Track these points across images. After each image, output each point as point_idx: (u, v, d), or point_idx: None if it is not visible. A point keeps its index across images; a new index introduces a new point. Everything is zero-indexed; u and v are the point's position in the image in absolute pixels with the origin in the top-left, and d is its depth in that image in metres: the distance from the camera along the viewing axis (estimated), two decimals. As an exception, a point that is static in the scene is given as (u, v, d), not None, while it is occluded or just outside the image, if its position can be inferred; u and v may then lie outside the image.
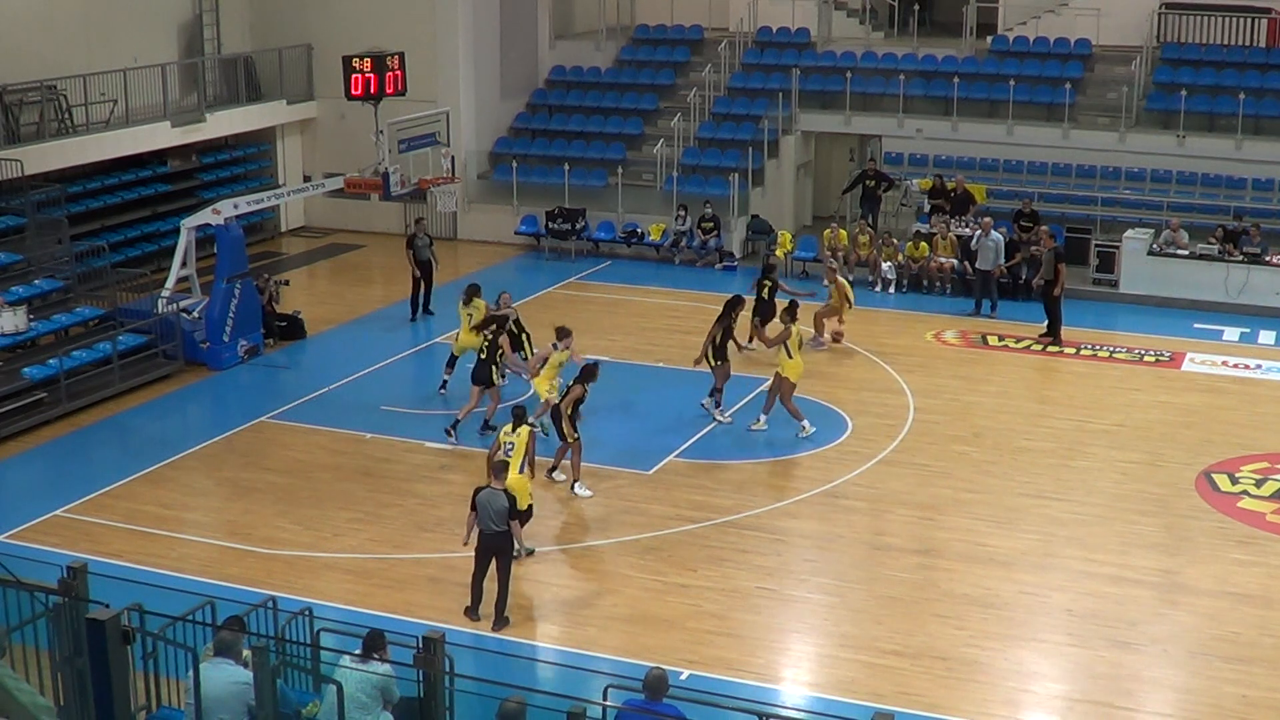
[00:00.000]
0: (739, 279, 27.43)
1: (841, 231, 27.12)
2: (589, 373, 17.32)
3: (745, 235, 29.05)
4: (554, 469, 17.62)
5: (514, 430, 15.23)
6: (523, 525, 14.94)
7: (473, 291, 20.57)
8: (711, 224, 28.29)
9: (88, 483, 17.76)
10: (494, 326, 18.98)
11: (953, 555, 15.76)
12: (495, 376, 18.80)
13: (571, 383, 17.42)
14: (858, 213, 28.46)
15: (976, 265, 25.03)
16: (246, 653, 9.96)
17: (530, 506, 15.16)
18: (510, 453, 15.00)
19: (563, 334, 18.47)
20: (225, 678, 9.72)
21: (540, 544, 15.85)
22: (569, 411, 17.06)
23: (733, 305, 19.89)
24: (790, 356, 18.86)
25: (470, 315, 20.23)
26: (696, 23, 33.53)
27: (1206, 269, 25.16)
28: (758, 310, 21.98)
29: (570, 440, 17.18)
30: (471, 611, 14.17)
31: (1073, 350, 22.90)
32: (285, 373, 22.63)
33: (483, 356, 18.80)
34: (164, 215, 27.97)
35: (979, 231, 25.14)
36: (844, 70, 30.56)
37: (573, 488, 17.30)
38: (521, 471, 14.98)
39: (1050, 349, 22.91)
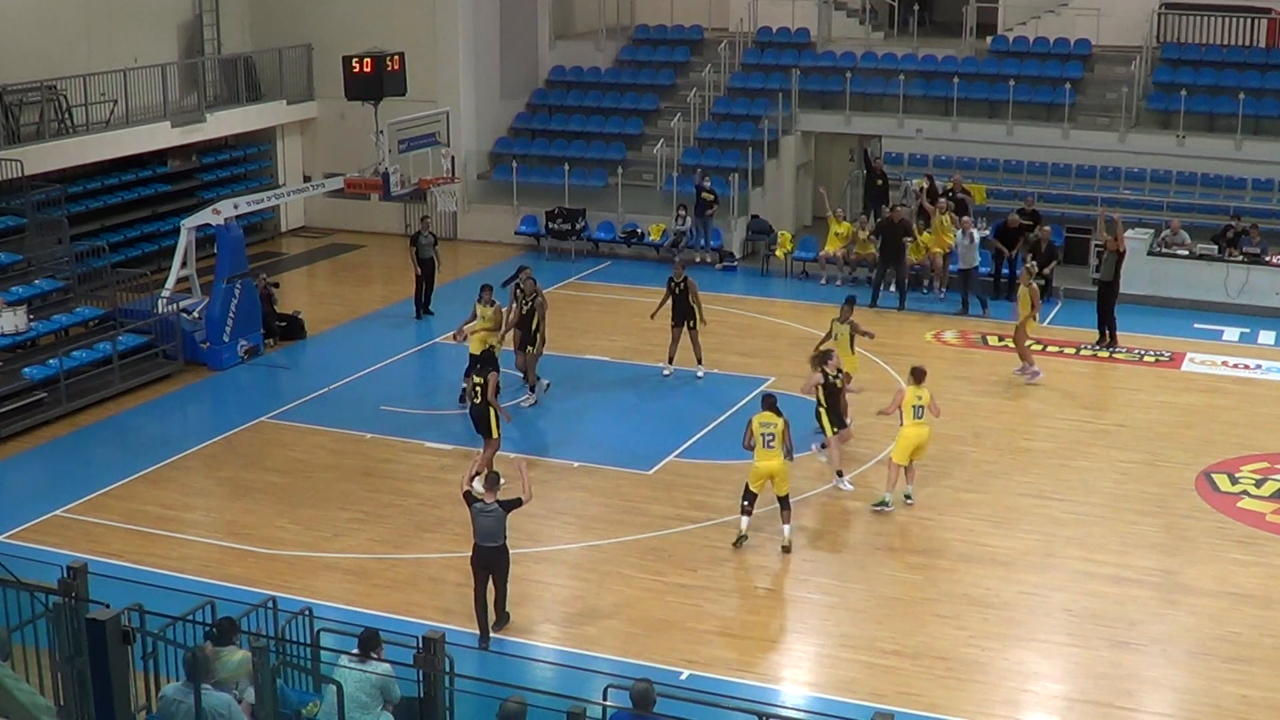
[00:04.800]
0: (740, 279, 27.50)
1: (845, 223, 26.92)
2: (490, 359, 17.49)
3: (745, 235, 29.05)
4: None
5: (776, 418, 15.59)
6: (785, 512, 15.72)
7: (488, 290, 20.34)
8: (712, 195, 27.93)
9: (88, 483, 17.76)
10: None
11: (953, 555, 15.76)
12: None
13: (490, 373, 17.09)
14: (857, 212, 28.39)
15: (960, 266, 25.10)
16: (240, 653, 9.90)
17: (786, 495, 15.72)
18: (770, 442, 15.46)
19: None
20: (205, 704, 9.42)
21: (540, 544, 15.85)
22: (496, 400, 16.95)
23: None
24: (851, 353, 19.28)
25: (488, 315, 19.97)
26: (696, 23, 33.53)
27: (1206, 269, 25.17)
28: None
29: (495, 435, 17.01)
30: (482, 640, 13.69)
31: (1073, 350, 22.91)
32: (285, 373, 22.64)
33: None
34: (164, 215, 27.98)
35: (959, 231, 25.18)
36: (844, 70, 30.55)
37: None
38: (789, 459, 15.68)
39: (1063, 351, 22.92)
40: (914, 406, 16.68)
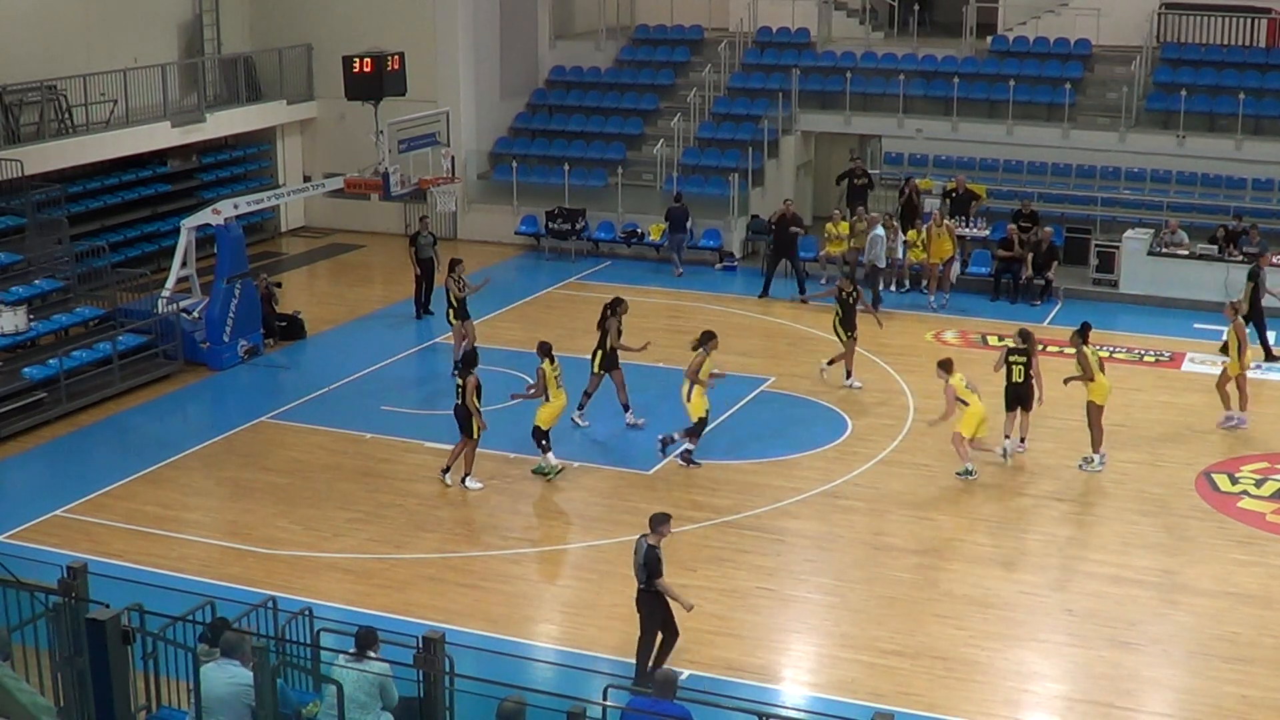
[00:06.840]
0: (739, 279, 27.49)
1: (843, 223, 26.88)
2: (471, 360, 17.60)
3: (745, 235, 29.05)
4: (450, 469, 17.62)
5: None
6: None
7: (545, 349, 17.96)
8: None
9: (88, 483, 17.76)
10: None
11: (953, 555, 15.77)
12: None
13: (470, 373, 17.22)
14: (845, 211, 28.29)
15: (865, 260, 25.17)
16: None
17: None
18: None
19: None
20: (227, 678, 9.71)
21: (540, 544, 15.86)
22: (476, 403, 17.18)
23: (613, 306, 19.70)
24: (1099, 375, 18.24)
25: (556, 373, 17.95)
26: (696, 23, 33.53)
27: (1206, 269, 25.14)
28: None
29: (475, 436, 17.36)
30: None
31: (1072, 350, 22.83)
32: (285, 373, 22.63)
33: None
34: (164, 215, 27.98)
35: (865, 226, 25.27)
36: (844, 70, 30.56)
37: (464, 481, 17.49)
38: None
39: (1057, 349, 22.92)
40: (965, 387, 17.60)
